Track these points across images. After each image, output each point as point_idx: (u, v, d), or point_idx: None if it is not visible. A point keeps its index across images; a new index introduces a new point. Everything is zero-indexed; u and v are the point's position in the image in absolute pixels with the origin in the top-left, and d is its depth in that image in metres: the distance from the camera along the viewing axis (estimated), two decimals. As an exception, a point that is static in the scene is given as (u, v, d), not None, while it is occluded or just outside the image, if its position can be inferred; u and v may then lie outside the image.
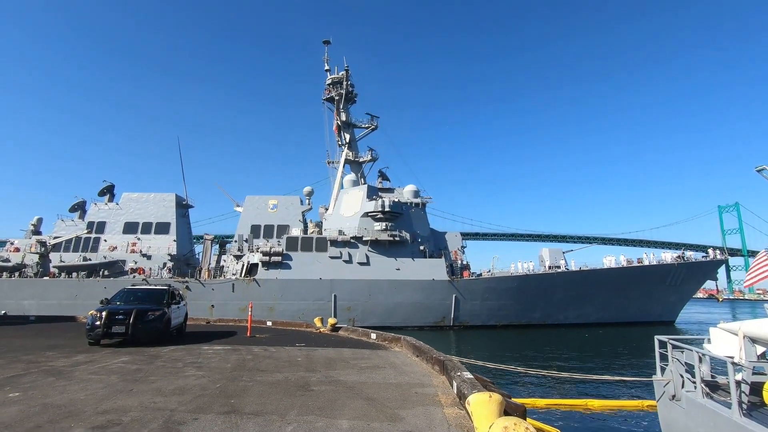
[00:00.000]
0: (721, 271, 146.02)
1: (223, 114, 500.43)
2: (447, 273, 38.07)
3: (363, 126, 49.12)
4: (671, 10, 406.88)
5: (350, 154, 47.24)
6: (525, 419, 3.54)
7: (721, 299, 56.72)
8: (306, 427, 4.61)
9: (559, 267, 40.21)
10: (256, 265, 37.90)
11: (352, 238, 38.53)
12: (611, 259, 42.05)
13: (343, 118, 47.68)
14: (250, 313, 16.31)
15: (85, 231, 43.14)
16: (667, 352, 7.94)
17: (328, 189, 48.40)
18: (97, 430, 4.41)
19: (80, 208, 46.68)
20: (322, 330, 16.48)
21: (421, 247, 39.48)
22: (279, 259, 37.44)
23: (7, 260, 41.23)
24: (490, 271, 41.63)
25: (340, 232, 39.05)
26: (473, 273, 40.64)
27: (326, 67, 48.94)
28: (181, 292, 15.58)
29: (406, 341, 11.47)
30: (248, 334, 14.40)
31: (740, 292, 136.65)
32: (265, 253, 37.40)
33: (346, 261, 37.95)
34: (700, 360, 7.08)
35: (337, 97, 47.70)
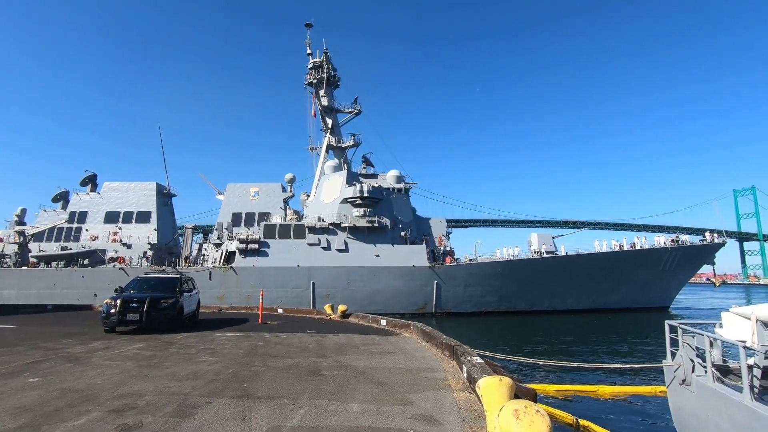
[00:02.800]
0: (736, 256, 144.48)
1: (207, 102, 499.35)
2: (428, 259, 37.43)
3: (346, 111, 48.10)
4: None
5: (333, 139, 46.32)
6: (536, 402, 3.55)
7: (718, 284, 55.42)
8: (317, 411, 4.67)
9: (549, 252, 39.15)
10: (234, 253, 37.68)
11: (330, 224, 37.98)
12: (603, 243, 40.96)
13: (325, 102, 46.79)
14: (261, 300, 16.51)
15: (65, 221, 43.35)
16: (677, 336, 7.88)
17: (310, 174, 47.77)
18: (114, 413, 4.52)
19: (63, 198, 46.76)
20: (332, 317, 16.64)
21: (403, 233, 38.85)
22: (256, 246, 37.08)
23: None
24: (472, 257, 40.93)
25: (319, 219, 38.55)
26: (457, 259, 39.99)
27: (308, 51, 47.85)
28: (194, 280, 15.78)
29: (415, 327, 11.54)
30: (260, 321, 14.61)
31: (755, 277, 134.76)
32: (242, 241, 37.07)
33: (324, 248, 37.45)
34: (712, 344, 7.02)
35: (315, 81, 46.75)
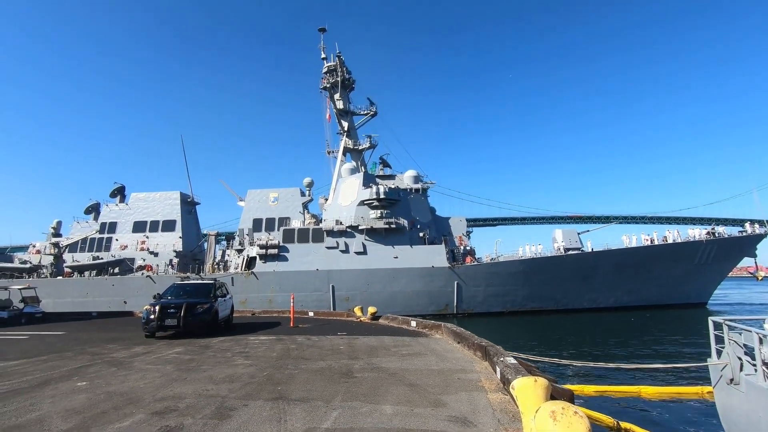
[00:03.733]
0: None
1: (228, 109, 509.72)
2: (447, 259, 36.90)
3: (362, 113, 48.13)
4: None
5: (349, 142, 46.47)
6: (573, 403, 3.46)
7: (760, 277, 52.01)
8: (351, 413, 4.70)
9: (574, 249, 37.83)
10: (255, 258, 38.15)
11: (348, 227, 37.94)
12: (633, 238, 39.10)
13: (341, 105, 46.93)
14: (291, 304, 16.77)
15: (95, 231, 45.47)
16: (723, 334, 7.51)
17: (329, 179, 47.93)
18: (156, 415, 4.69)
19: (94, 209, 49.05)
20: (362, 319, 16.72)
21: (421, 234, 38.44)
22: (276, 251, 37.49)
23: (27, 262, 44.32)
24: (493, 256, 40.08)
25: (337, 222, 38.57)
26: (478, 258, 39.24)
27: (323, 56, 48.15)
28: (226, 285, 16.20)
29: (446, 328, 11.44)
30: (291, 325, 14.82)
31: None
32: (262, 246, 37.60)
33: (342, 251, 37.49)
34: (761, 341, 6.65)
35: (328, 85, 47.04)
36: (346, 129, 46.90)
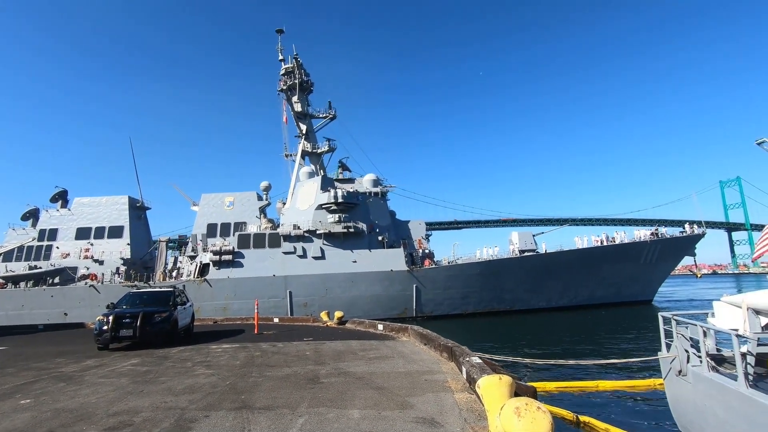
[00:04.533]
0: (725, 246, 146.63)
1: (181, 113, 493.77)
2: (406, 262, 36.76)
3: (320, 116, 47.58)
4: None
5: (307, 145, 45.86)
6: (536, 399, 3.55)
7: (699, 275, 55.84)
8: (317, 419, 4.63)
9: (529, 251, 38.89)
10: (208, 265, 36.90)
11: (305, 232, 37.36)
12: (584, 239, 40.84)
13: (299, 108, 46.28)
14: (256, 311, 16.37)
15: (32, 239, 42.24)
16: (671, 328, 7.95)
17: (288, 183, 46.80)
18: (109, 431, 4.44)
19: (33, 216, 45.36)
20: (329, 324, 16.56)
21: (380, 238, 38.22)
22: (230, 257, 36.39)
23: None
24: (451, 259, 40.39)
25: (295, 227, 37.89)
26: (437, 262, 39.36)
27: (280, 57, 47.50)
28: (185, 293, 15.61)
29: (413, 330, 11.52)
30: (255, 332, 14.49)
31: (745, 266, 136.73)
32: (215, 253, 36.33)
33: (300, 256, 36.81)
34: (705, 334, 7.08)
35: (285, 88, 46.39)
36: (304, 132, 46.08)
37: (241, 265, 36.61)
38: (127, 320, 11.39)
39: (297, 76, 46.04)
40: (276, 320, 19.27)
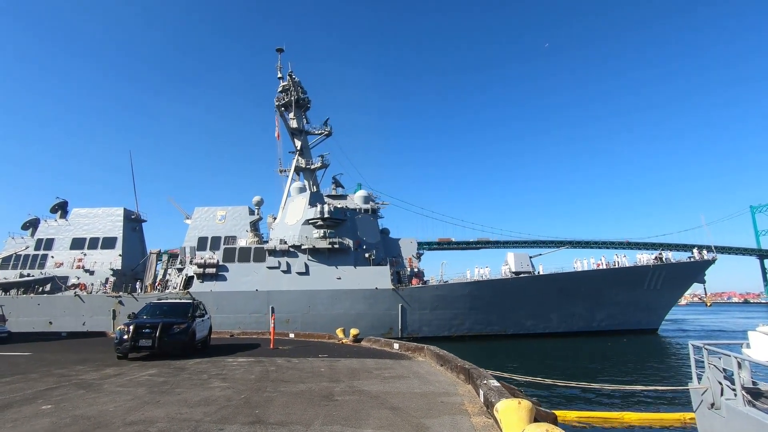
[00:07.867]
0: (757, 273, 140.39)
1: (182, 127, 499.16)
2: (392, 281, 35.72)
3: (315, 132, 47.95)
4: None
5: (301, 161, 46.03)
6: (557, 426, 3.41)
7: (709, 303, 52.79)
8: (331, 437, 4.55)
9: (526, 272, 37.31)
10: (193, 277, 36.75)
11: (291, 246, 36.88)
12: (584, 262, 39.17)
13: (294, 124, 46.77)
14: (272, 325, 16.41)
15: (25, 247, 43.23)
16: (702, 357, 7.59)
17: (281, 198, 46.79)
18: (126, 440, 4.45)
19: (33, 225, 46.30)
20: (344, 341, 16.45)
21: (367, 255, 37.54)
22: (214, 270, 36.20)
23: None
24: (439, 278, 39.17)
25: (281, 241, 37.52)
26: (425, 281, 38.13)
27: (279, 75, 48.33)
28: (203, 305, 15.77)
29: (429, 350, 11.32)
30: (271, 346, 14.46)
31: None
32: (200, 265, 36.21)
33: (284, 271, 36.33)
34: (740, 366, 6.74)
35: (278, 103, 46.91)
36: (299, 148, 46.46)
37: (225, 279, 36.51)
38: (147, 330, 11.57)
39: (293, 93, 46.83)
40: (291, 335, 19.26)
